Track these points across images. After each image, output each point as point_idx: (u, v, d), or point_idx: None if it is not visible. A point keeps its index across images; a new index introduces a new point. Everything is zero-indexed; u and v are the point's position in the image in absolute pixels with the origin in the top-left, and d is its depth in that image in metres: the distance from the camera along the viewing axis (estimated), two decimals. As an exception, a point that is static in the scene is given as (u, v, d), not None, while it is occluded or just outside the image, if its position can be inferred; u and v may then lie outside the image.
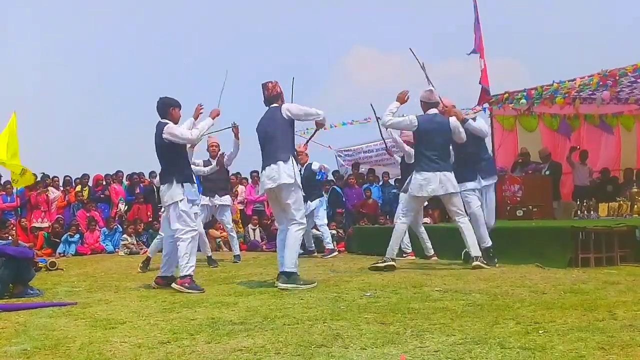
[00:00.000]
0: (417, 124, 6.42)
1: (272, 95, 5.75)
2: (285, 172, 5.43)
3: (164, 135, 5.61)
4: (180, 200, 5.59)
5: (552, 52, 23.90)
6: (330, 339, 3.05)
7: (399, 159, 8.87)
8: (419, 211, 7.36)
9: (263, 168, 5.65)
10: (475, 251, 6.23)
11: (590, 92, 10.52)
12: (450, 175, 6.34)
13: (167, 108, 5.80)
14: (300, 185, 5.57)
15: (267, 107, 5.79)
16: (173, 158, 5.72)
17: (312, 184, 9.27)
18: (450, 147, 6.57)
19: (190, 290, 5.26)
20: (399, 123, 6.59)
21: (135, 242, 11.82)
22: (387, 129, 7.55)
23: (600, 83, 9.67)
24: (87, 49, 28.48)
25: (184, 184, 5.65)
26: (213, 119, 5.99)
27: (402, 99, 6.55)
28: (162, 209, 6.29)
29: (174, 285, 5.44)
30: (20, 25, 27.06)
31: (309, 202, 9.17)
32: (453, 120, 6.48)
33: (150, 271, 7.27)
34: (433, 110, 6.50)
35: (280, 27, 30.47)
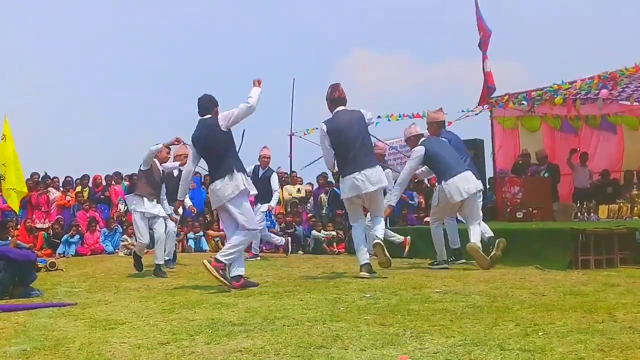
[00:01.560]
0: (423, 153, 6.62)
1: (342, 97, 6.00)
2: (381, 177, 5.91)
3: (225, 124, 5.46)
4: (244, 190, 5.48)
5: (553, 55, 23.93)
6: (329, 340, 3.04)
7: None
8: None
9: (359, 170, 5.83)
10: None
11: (591, 94, 10.52)
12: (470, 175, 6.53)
13: (213, 106, 5.69)
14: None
15: (337, 110, 6.03)
16: (230, 147, 5.58)
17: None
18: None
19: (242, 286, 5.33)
20: (422, 173, 7.18)
21: (135, 243, 11.81)
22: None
23: (601, 85, 9.68)
24: (86, 48, 28.49)
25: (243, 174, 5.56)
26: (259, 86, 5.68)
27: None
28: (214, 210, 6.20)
29: (208, 265, 5.33)
30: (18, 22, 27.09)
31: (259, 204, 9.24)
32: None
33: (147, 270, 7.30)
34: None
35: (280, 27, 30.52)
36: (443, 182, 6.45)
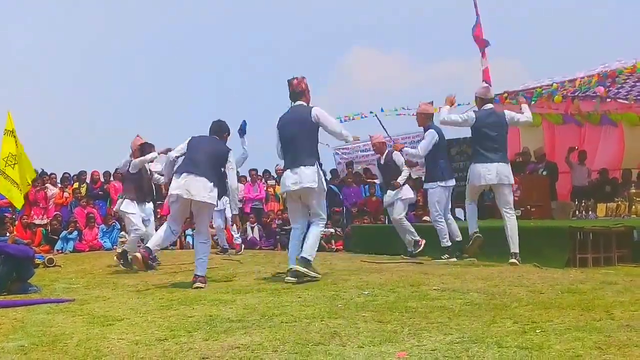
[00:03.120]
0: (474, 120, 6.63)
1: (297, 92, 5.87)
2: (310, 176, 5.62)
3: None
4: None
5: (551, 52, 23.92)
6: (327, 337, 3.05)
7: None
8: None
9: (292, 168, 5.74)
10: (513, 248, 6.35)
11: (589, 92, 10.53)
12: (505, 166, 6.48)
13: (224, 133, 6.11)
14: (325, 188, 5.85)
15: (292, 105, 5.93)
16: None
17: None
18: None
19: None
20: (456, 122, 6.82)
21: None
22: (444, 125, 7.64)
23: (598, 83, 9.68)
24: (85, 45, 28.44)
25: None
26: None
27: (451, 101, 6.90)
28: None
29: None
30: (16, 19, 27.02)
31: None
32: (508, 112, 6.76)
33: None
34: (489, 106, 6.72)
35: (280, 24, 30.47)
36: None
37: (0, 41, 26.67)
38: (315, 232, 5.79)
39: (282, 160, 6.08)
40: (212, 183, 5.67)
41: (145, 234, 7.63)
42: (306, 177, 5.62)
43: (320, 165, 5.84)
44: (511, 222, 6.43)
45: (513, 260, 6.21)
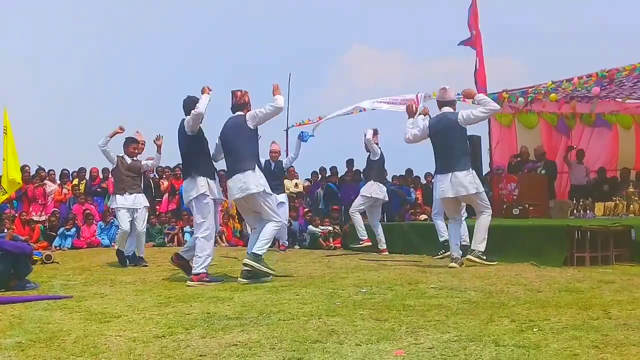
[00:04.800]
0: (428, 128, 6.39)
1: (239, 104, 5.86)
2: (253, 181, 5.61)
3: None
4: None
5: (551, 51, 23.91)
6: (325, 334, 3.05)
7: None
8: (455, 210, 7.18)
9: (229, 177, 5.80)
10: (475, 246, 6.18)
11: (587, 92, 10.52)
12: (461, 175, 6.07)
13: (194, 106, 5.88)
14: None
15: (231, 115, 5.93)
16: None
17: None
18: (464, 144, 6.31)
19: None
20: (415, 136, 6.56)
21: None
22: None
23: (596, 83, 9.67)
24: (84, 41, 28.40)
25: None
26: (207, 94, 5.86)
27: (410, 112, 6.75)
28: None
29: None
30: (13, 15, 26.96)
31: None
32: (462, 112, 6.26)
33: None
34: (445, 109, 6.34)
35: (280, 22, 30.44)
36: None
37: (1, 37, 26.56)
38: (268, 228, 5.67)
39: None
40: (245, 171, 5.64)
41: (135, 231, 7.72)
42: (242, 185, 5.64)
43: (261, 169, 5.79)
44: (484, 219, 6.19)
45: (470, 256, 6.04)
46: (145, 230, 8.03)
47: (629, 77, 9.51)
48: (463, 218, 6.86)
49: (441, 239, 7.46)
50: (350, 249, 8.22)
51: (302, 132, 9.74)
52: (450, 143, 6.17)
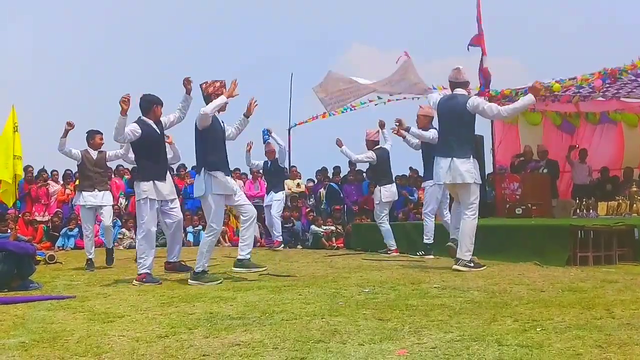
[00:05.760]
0: (437, 105, 6.14)
1: (204, 96, 5.74)
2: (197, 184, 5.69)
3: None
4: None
5: (552, 52, 23.87)
6: (328, 334, 3.05)
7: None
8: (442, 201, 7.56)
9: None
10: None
11: (590, 89, 10.48)
12: (460, 162, 5.82)
13: (151, 105, 5.96)
14: None
15: None
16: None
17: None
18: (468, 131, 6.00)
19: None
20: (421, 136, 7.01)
21: (133, 236, 11.82)
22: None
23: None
24: (83, 40, 28.43)
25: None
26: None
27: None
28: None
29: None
30: (17, 14, 27.00)
31: (272, 192, 10.01)
32: (473, 98, 5.99)
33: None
34: (459, 91, 6.02)
35: (279, 23, 30.44)
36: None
37: (4, 36, 26.57)
38: (203, 241, 5.72)
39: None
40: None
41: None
42: (196, 185, 5.74)
43: (212, 169, 5.55)
44: (466, 223, 5.82)
45: (456, 266, 5.75)
46: (112, 224, 7.95)
47: (630, 75, 9.48)
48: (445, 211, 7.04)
49: (425, 240, 7.48)
50: (353, 249, 8.20)
51: (263, 129, 9.84)
52: (454, 126, 5.92)
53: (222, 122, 5.87)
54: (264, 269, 5.89)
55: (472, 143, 6.02)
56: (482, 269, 5.73)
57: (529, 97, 5.78)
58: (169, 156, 8.43)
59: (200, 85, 5.79)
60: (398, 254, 8.27)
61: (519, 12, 27.31)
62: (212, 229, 5.64)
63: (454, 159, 5.83)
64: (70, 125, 7.33)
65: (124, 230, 11.85)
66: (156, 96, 6.06)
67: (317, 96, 9.70)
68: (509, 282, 4.81)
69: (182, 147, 7.14)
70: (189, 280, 5.50)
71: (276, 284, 5.15)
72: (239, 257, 5.77)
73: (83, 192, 7.57)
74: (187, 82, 5.84)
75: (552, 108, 12.03)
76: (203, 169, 5.58)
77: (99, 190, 7.58)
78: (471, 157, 5.90)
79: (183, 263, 6.48)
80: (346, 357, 2.62)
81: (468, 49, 10.43)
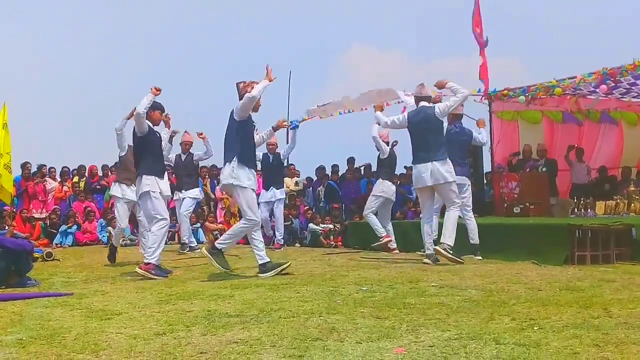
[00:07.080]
0: (407, 120, 6.68)
1: (240, 95, 5.80)
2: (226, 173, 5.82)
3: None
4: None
5: (551, 51, 23.87)
6: (325, 332, 3.05)
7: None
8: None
9: None
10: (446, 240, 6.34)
11: (593, 88, 10.49)
12: (439, 164, 6.35)
13: (148, 110, 6.14)
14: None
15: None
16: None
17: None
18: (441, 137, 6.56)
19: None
20: (393, 123, 6.97)
21: (125, 235, 11.77)
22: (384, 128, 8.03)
23: (598, 81, 9.66)
24: (82, 38, 28.37)
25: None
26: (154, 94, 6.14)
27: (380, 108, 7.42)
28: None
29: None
30: (14, 12, 26.93)
31: (273, 189, 9.79)
32: (437, 105, 6.56)
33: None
34: (424, 104, 6.61)
35: (280, 23, 30.40)
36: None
37: (1, 35, 26.50)
38: (237, 225, 5.94)
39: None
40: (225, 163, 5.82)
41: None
42: (224, 174, 5.83)
43: (246, 161, 5.71)
44: (450, 214, 6.41)
45: (437, 247, 6.27)
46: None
47: (629, 76, 9.49)
48: (435, 215, 6.96)
49: (472, 242, 7.12)
50: (351, 247, 8.20)
51: (291, 121, 10.07)
52: (429, 135, 6.47)
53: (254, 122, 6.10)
54: (288, 264, 5.88)
55: (445, 146, 6.53)
56: (461, 260, 6.20)
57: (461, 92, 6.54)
58: (202, 152, 8.77)
59: (238, 84, 5.86)
60: (397, 251, 8.28)
61: (519, 12, 27.33)
62: (251, 219, 5.71)
63: (434, 162, 6.38)
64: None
65: (109, 228, 11.81)
66: (157, 102, 6.28)
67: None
68: (507, 280, 4.82)
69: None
70: (259, 275, 5.61)
71: (274, 282, 5.15)
72: (260, 262, 5.76)
73: (122, 185, 7.54)
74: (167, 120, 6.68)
75: (552, 107, 12.03)
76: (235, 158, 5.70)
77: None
78: (447, 159, 6.45)
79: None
80: (344, 355, 2.62)
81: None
